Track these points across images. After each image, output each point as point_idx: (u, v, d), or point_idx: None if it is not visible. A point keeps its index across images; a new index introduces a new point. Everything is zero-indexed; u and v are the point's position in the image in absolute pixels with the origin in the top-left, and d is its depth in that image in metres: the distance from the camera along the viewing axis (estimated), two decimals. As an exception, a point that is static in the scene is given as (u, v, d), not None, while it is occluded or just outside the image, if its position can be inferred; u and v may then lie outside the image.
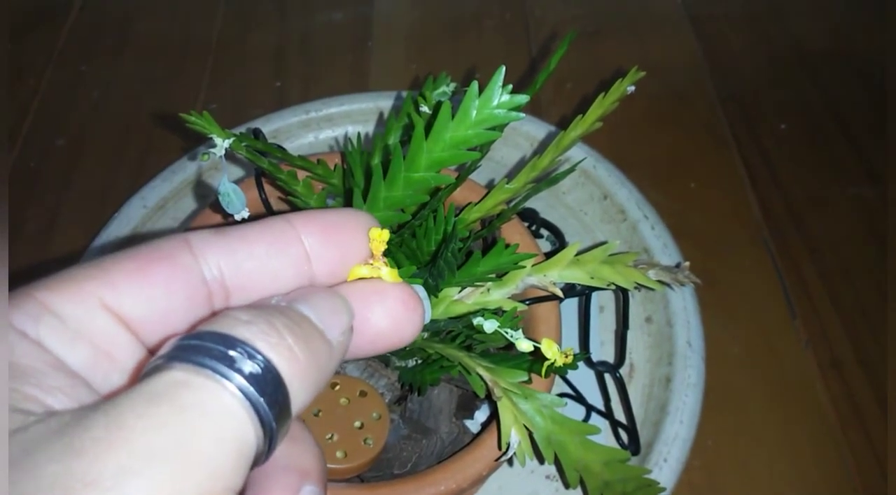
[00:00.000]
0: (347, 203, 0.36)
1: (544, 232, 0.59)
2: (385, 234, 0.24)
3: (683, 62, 0.81)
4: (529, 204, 0.64)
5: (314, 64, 0.81)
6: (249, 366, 0.16)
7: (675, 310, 0.55)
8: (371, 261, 0.24)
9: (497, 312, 0.33)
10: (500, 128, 0.32)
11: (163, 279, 0.21)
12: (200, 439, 0.15)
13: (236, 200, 0.31)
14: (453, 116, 0.32)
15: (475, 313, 0.29)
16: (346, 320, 0.21)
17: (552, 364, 0.29)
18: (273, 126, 0.66)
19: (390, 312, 0.23)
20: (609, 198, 0.62)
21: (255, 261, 0.22)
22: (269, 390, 0.16)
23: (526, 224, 0.49)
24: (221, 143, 0.30)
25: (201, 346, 0.16)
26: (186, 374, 0.16)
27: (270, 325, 0.18)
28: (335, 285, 0.23)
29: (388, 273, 0.24)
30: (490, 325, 0.28)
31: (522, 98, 0.29)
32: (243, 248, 0.22)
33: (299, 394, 0.18)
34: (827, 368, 0.59)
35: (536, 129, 0.65)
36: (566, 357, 0.29)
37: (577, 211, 0.64)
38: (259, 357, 0.17)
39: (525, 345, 0.27)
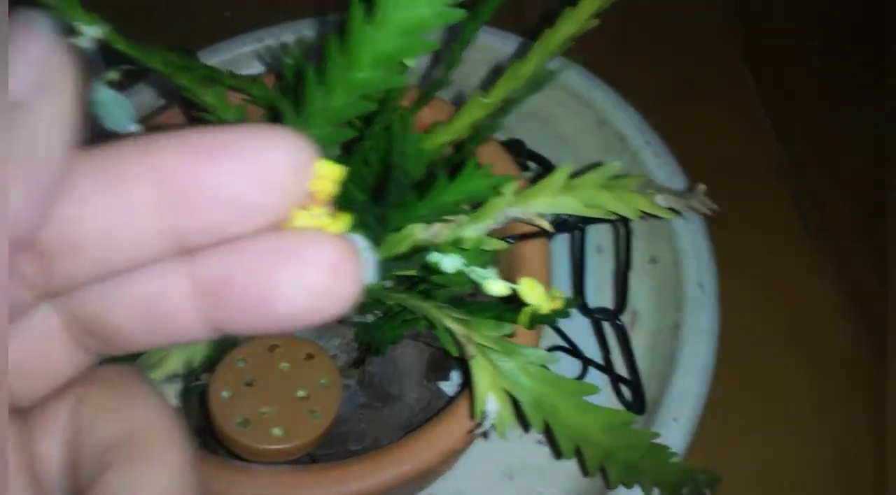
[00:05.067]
0: (276, 123, 0.29)
1: (533, 165, 0.52)
2: (337, 171, 0.16)
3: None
4: (517, 134, 0.56)
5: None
6: None
7: (684, 247, 0.47)
8: (310, 207, 0.16)
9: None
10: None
11: None
12: None
13: (118, 111, 0.23)
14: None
15: (430, 249, 0.22)
16: None
17: (535, 311, 0.21)
18: (220, 57, 0.57)
19: (308, 280, 0.15)
20: (606, 125, 0.54)
21: (80, 208, 0.15)
22: None
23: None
24: (88, 32, 0.23)
25: None
26: None
27: None
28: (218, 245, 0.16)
29: (331, 224, 0.16)
30: (451, 263, 0.21)
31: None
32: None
33: None
34: (854, 306, 0.52)
35: (505, 44, 0.56)
36: (553, 300, 0.22)
37: (570, 141, 0.56)
38: None
39: (497, 287, 0.20)
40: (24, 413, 0.16)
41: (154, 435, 0.17)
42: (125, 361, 0.29)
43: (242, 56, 0.58)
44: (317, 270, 0.16)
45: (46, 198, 0.14)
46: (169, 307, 0.16)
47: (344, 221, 0.16)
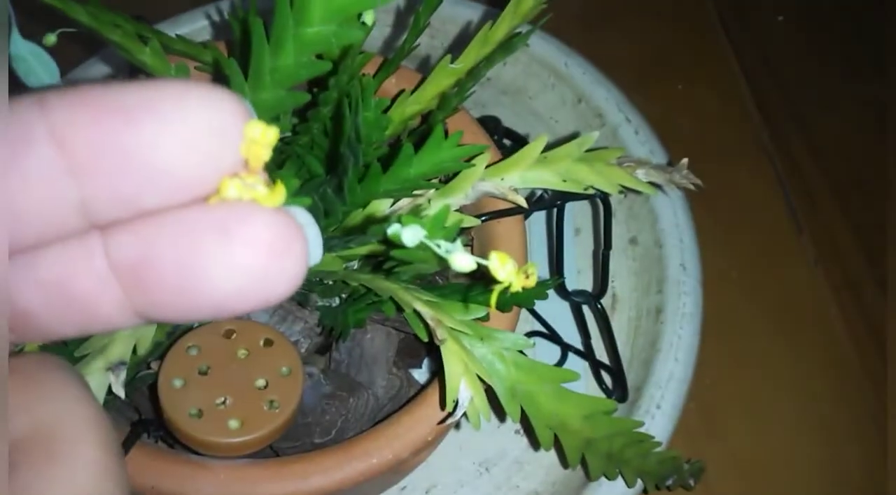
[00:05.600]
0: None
1: (509, 144, 0.49)
2: (270, 135, 0.14)
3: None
4: (491, 111, 0.54)
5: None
6: None
7: (665, 227, 0.45)
8: (243, 174, 0.14)
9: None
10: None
11: None
12: None
13: (39, 67, 0.21)
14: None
15: (389, 220, 0.20)
16: None
17: (506, 289, 0.19)
18: (182, 29, 0.54)
19: (239, 260, 0.13)
20: (584, 101, 0.52)
21: None
22: None
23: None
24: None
25: None
26: None
27: None
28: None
29: (266, 195, 0.14)
30: (412, 234, 0.19)
31: None
32: None
33: None
34: (840, 289, 0.51)
35: (471, 12, 0.54)
36: (526, 276, 0.20)
37: (546, 118, 0.54)
38: None
39: (463, 261, 0.18)
40: None
41: (66, 432, 0.14)
42: (57, 350, 0.27)
43: (205, 30, 0.55)
44: (250, 249, 0.13)
45: None
46: (82, 289, 0.14)
47: (281, 192, 0.14)
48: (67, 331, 0.15)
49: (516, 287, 0.20)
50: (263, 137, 0.14)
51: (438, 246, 0.20)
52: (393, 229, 0.20)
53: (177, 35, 0.32)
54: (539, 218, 0.47)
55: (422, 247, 0.20)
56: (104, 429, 0.15)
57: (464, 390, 0.27)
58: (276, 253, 0.14)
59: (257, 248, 0.13)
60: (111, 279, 0.14)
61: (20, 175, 0.13)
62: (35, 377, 0.15)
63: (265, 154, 0.14)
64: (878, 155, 0.57)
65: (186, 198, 0.14)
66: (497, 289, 0.21)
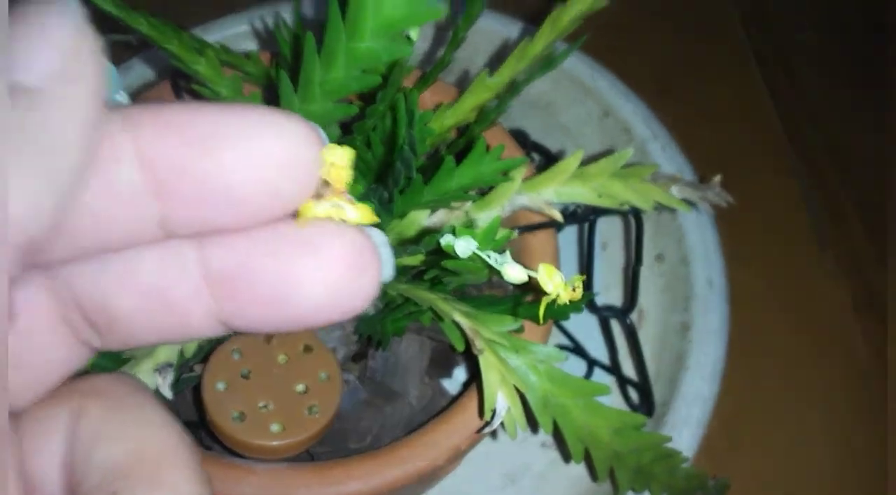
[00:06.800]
0: (272, 99, 0.27)
1: (536, 158, 0.50)
2: (347, 155, 0.15)
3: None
4: (518, 124, 0.55)
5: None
6: None
7: (692, 244, 0.46)
8: (329, 196, 0.15)
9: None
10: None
11: None
12: None
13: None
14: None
15: (441, 232, 0.20)
16: None
17: (554, 300, 0.20)
18: (212, 37, 0.55)
19: (328, 275, 0.14)
20: (611, 116, 0.52)
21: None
22: None
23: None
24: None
25: None
26: None
27: None
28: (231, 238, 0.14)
29: (355, 211, 0.15)
30: (465, 245, 0.19)
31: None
32: None
33: None
34: (863, 305, 0.51)
35: (508, 28, 0.54)
36: (573, 289, 0.20)
37: (573, 132, 0.54)
38: None
39: (515, 273, 0.18)
40: (14, 417, 0.15)
41: (164, 459, 0.15)
42: (114, 359, 0.28)
43: (238, 37, 0.56)
44: (335, 264, 0.14)
45: (56, 197, 0.12)
46: (176, 295, 0.15)
47: (368, 212, 0.15)
48: (150, 338, 0.16)
49: (563, 299, 0.21)
50: (342, 160, 0.14)
51: (489, 256, 0.21)
52: (446, 240, 0.21)
53: (220, 45, 0.33)
54: (564, 233, 0.48)
55: (473, 258, 0.21)
56: (195, 457, 0.15)
57: (500, 400, 0.27)
58: (358, 269, 0.14)
59: (342, 264, 0.14)
60: (203, 288, 0.15)
61: (106, 189, 0.13)
62: (122, 398, 0.15)
63: (346, 175, 0.15)
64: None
65: (262, 221, 0.14)
66: (545, 300, 0.22)
